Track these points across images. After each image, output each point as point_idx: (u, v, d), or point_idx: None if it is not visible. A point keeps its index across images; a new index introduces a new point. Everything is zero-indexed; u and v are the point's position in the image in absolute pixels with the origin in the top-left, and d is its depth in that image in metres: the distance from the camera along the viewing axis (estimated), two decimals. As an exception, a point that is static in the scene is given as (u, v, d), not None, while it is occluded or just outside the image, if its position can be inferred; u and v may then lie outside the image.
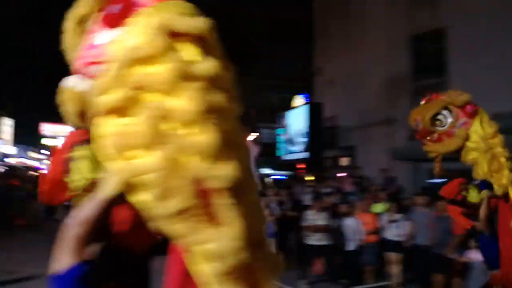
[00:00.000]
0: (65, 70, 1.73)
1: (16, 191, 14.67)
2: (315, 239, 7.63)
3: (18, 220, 13.21)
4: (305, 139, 16.39)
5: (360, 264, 7.69)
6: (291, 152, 17.78)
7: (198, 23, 1.33)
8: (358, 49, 15.17)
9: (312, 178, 14.34)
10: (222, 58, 1.41)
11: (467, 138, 3.79)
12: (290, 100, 18.81)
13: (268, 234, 7.79)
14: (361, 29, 15.16)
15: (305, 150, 16.43)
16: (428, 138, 4.01)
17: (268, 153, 19.69)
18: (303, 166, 17.28)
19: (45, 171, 2.87)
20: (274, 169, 23.24)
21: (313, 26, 18.01)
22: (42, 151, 55.27)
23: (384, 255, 7.50)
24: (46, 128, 46.26)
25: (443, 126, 3.93)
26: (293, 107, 17.98)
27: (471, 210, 4.13)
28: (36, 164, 57.02)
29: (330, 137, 16.37)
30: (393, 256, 7.32)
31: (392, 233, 7.38)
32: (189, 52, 1.32)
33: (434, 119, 3.95)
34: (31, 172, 34.76)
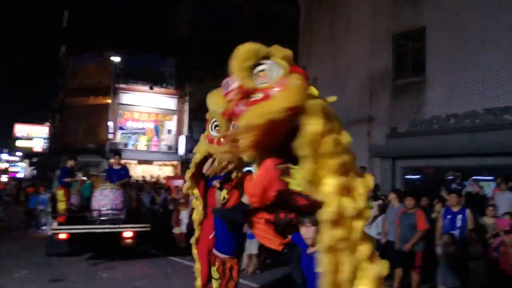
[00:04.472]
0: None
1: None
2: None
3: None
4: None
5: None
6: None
7: None
8: (342, 47, 15.03)
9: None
10: None
11: None
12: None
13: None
14: (346, 27, 15.01)
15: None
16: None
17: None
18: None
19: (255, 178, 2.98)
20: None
21: (298, 23, 17.71)
22: (16, 153, 50.64)
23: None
24: (20, 129, 42.40)
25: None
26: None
27: None
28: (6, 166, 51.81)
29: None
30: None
31: (373, 231, 7.18)
32: None
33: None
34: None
